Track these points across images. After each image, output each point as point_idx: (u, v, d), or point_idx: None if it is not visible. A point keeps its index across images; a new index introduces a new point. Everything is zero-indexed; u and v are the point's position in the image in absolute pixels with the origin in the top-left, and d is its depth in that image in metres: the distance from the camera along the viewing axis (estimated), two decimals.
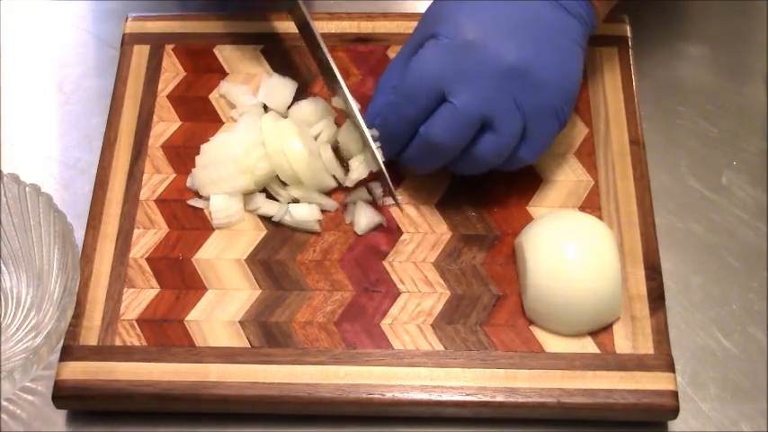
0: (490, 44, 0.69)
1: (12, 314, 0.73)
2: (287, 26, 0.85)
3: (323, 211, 0.76)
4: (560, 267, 0.69)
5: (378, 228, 0.75)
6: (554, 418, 0.69)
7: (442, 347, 0.70)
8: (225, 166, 0.75)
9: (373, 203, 0.76)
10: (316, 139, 0.77)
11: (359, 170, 0.75)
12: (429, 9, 0.74)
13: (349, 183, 0.75)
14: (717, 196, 0.79)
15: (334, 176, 0.76)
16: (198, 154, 0.78)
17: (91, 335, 0.71)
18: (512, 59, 0.69)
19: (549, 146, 0.74)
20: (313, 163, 0.74)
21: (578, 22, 0.72)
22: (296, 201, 0.76)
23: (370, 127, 0.74)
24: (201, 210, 0.76)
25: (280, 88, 0.80)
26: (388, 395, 0.69)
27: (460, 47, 0.70)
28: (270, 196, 0.77)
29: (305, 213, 0.75)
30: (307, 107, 0.78)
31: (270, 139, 0.75)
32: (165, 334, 0.71)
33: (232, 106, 0.81)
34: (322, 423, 0.70)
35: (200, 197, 0.77)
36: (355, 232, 0.75)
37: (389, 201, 0.76)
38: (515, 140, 0.71)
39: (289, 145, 0.74)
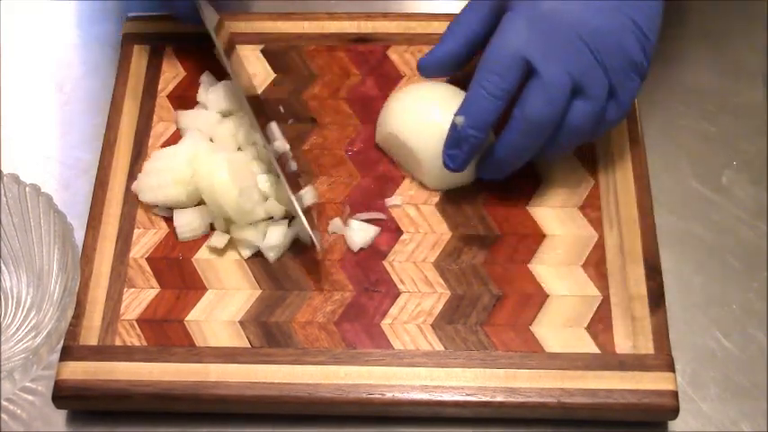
0: (567, 10, 0.70)
1: (12, 314, 0.73)
2: (287, 26, 0.85)
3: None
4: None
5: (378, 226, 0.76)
6: (554, 418, 0.69)
7: (442, 347, 0.70)
8: (164, 175, 0.75)
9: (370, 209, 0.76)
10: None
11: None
12: None
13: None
14: (717, 196, 0.79)
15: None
16: None
17: (91, 335, 0.71)
18: (591, 23, 0.69)
19: (632, 103, 0.74)
20: (243, 202, 0.73)
21: None
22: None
23: (458, 114, 0.72)
24: None
25: (221, 95, 0.80)
26: (388, 395, 0.69)
27: (539, 15, 0.70)
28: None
29: (278, 239, 0.74)
30: (232, 127, 0.78)
31: (201, 175, 0.74)
32: (165, 334, 0.71)
33: None
34: (322, 423, 0.70)
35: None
36: None
37: (393, 201, 0.76)
38: (604, 103, 0.71)
39: (218, 181, 0.73)
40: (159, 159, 0.77)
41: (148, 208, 0.76)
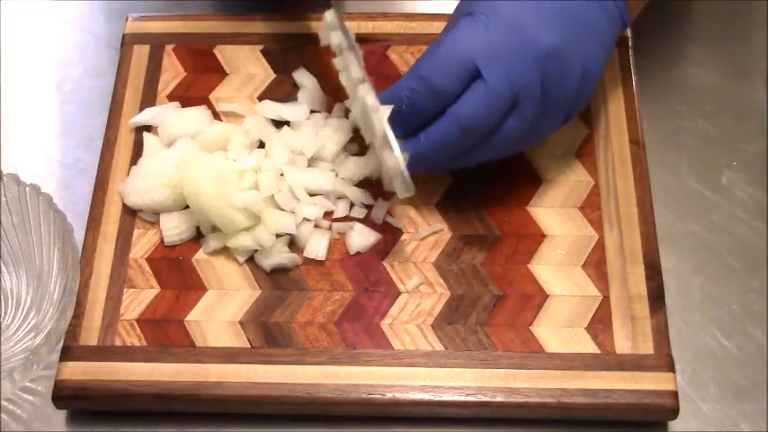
0: (528, 25, 0.69)
1: (12, 314, 0.73)
2: (287, 26, 0.85)
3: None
4: None
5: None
6: (554, 418, 0.69)
7: (442, 348, 0.70)
8: (151, 178, 0.75)
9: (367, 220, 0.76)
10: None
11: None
12: None
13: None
14: (717, 196, 0.79)
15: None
16: None
17: (91, 335, 0.71)
18: (548, 43, 0.69)
19: (549, 135, 0.74)
20: (228, 212, 0.72)
21: (612, 22, 0.72)
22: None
23: (387, 102, 0.71)
24: None
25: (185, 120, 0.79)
26: (388, 395, 0.69)
27: (497, 25, 0.69)
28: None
29: (283, 255, 0.74)
30: (216, 132, 0.78)
31: (186, 182, 0.73)
32: (166, 334, 0.71)
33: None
34: (322, 423, 0.70)
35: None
36: None
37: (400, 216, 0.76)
38: (531, 126, 0.70)
39: (204, 190, 0.72)
40: (149, 163, 0.77)
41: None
